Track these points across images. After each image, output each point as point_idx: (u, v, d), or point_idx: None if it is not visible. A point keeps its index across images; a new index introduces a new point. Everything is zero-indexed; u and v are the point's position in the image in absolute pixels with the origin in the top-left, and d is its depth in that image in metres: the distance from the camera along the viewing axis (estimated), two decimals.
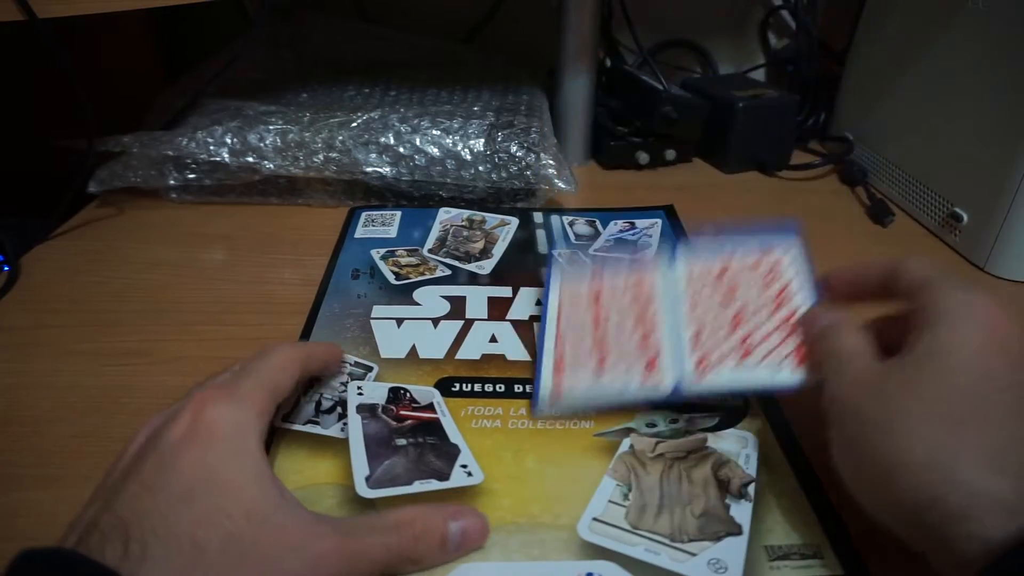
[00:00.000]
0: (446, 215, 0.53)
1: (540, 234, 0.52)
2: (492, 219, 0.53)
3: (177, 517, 0.23)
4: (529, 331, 0.41)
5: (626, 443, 0.33)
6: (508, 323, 0.41)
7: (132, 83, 0.69)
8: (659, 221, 0.53)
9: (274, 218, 0.55)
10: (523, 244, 0.50)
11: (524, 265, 0.48)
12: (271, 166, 0.53)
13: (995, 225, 0.47)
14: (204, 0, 0.47)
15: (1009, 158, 0.46)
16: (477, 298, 0.44)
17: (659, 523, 0.29)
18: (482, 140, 0.54)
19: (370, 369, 0.37)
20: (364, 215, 0.54)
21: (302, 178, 0.54)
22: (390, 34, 0.72)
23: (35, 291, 0.46)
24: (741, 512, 0.29)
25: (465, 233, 0.51)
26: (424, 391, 0.36)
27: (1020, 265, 0.47)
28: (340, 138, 0.53)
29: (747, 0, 0.77)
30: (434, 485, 0.30)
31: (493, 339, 0.40)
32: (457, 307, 0.43)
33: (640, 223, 0.53)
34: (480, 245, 0.50)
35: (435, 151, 0.53)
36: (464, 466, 0.31)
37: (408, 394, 0.36)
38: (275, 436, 0.33)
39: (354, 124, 0.53)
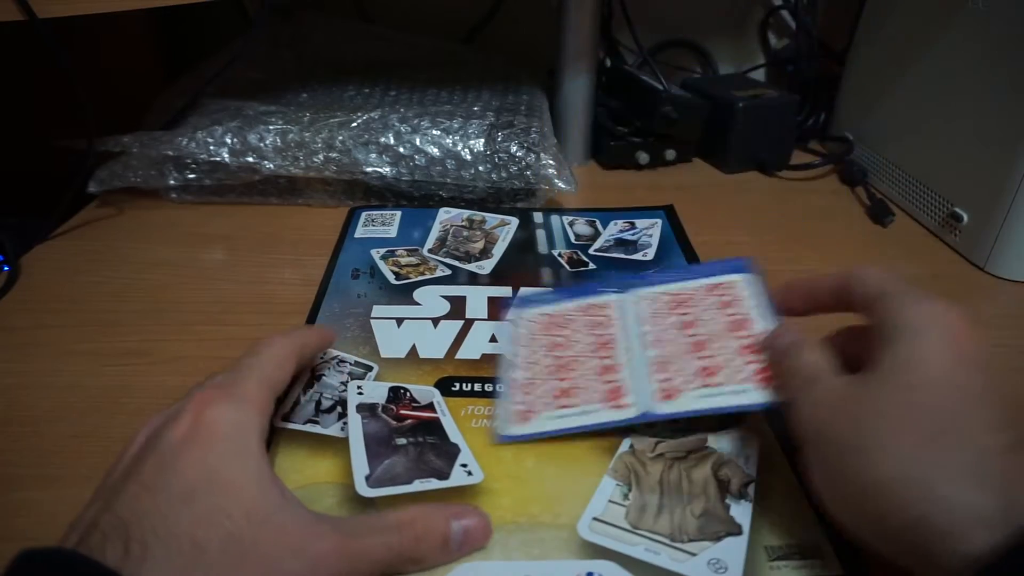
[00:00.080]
0: (446, 215, 0.54)
1: (540, 234, 0.52)
2: (492, 219, 0.53)
3: (177, 517, 0.23)
4: None
5: (626, 443, 0.33)
6: (508, 323, 0.41)
7: (132, 83, 0.69)
8: (659, 221, 0.53)
9: (274, 218, 0.55)
10: (523, 244, 0.50)
11: (524, 265, 0.48)
12: (271, 166, 0.53)
13: (995, 225, 0.47)
14: (204, 0, 0.47)
15: (1009, 158, 0.46)
16: (477, 298, 0.44)
17: (659, 523, 0.29)
18: (482, 140, 0.54)
19: (370, 369, 0.37)
20: (364, 215, 0.54)
21: (302, 178, 0.54)
22: (390, 34, 0.72)
23: (35, 291, 0.46)
24: (741, 512, 0.29)
25: (465, 233, 0.51)
26: (424, 390, 0.36)
27: (1020, 265, 0.47)
28: (340, 138, 0.53)
29: (747, 0, 0.78)
30: (434, 484, 0.30)
31: (493, 339, 0.40)
32: (457, 307, 0.43)
33: (640, 223, 0.53)
34: (480, 245, 0.50)
35: (435, 151, 0.53)
36: (464, 465, 0.31)
37: (408, 393, 0.36)
38: (275, 435, 0.33)
39: (354, 124, 0.53)
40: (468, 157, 0.53)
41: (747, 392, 0.31)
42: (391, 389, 0.36)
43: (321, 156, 0.53)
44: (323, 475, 0.31)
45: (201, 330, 0.42)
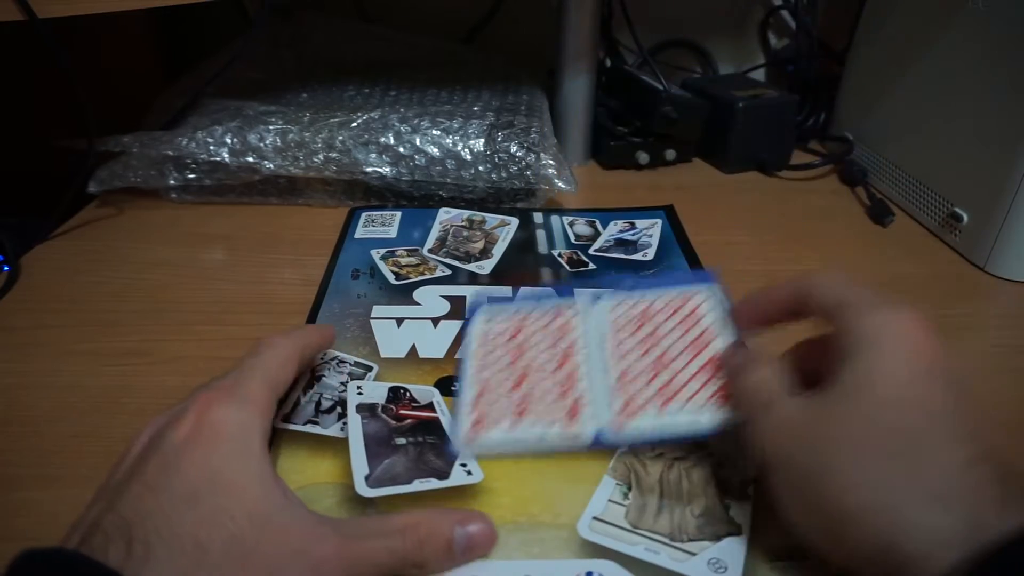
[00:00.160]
0: (446, 215, 0.54)
1: (540, 234, 0.52)
2: (492, 219, 0.53)
3: (180, 518, 0.23)
4: None
5: None
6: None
7: (132, 83, 0.69)
8: (659, 221, 0.53)
9: (274, 218, 0.55)
10: (523, 244, 0.50)
11: (524, 265, 0.48)
12: (271, 166, 0.53)
13: (995, 225, 0.47)
14: (204, 0, 0.47)
15: (1009, 158, 0.46)
16: None
17: (659, 522, 0.29)
18: (482, 140, 0.54)
19: (370, 369, 0.38)
20: (364, 215, 0.54)
21: (302, 178, 0.54)
22: (390, 34, 0.72)
23: (35, 291, 0.46)
24: (741, 512, 0.29)
25: (465, 233, 0.51)
26: (424, 390, 0.36)
27: (1020, 265, 0.47)
28: (340, 138, 0.53)
29: (747, 0, 0.78)
30: (434, 484, 0.30)
31: None
32: (457, 307, 0.43)
33: (640, 223, 0.53)
34: (480, 245, 0.50)
35: (435, 151, 0.53)
36: (464, 465, 0.31)
37: (408, 393, 0.36)
38: (276, 436, 0.33)
39: (354, 124, 0.53)
40: (468, 157, 0.53)
41: (704, 415, 0.31)
42: (391, 389, 0.36)
43: (321, 156, 0.53)
44: (323, 475, 0.31)
45: (201, 330, 0.42)
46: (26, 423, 0.35)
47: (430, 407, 0.35)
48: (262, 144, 0.52)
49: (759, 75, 0.79)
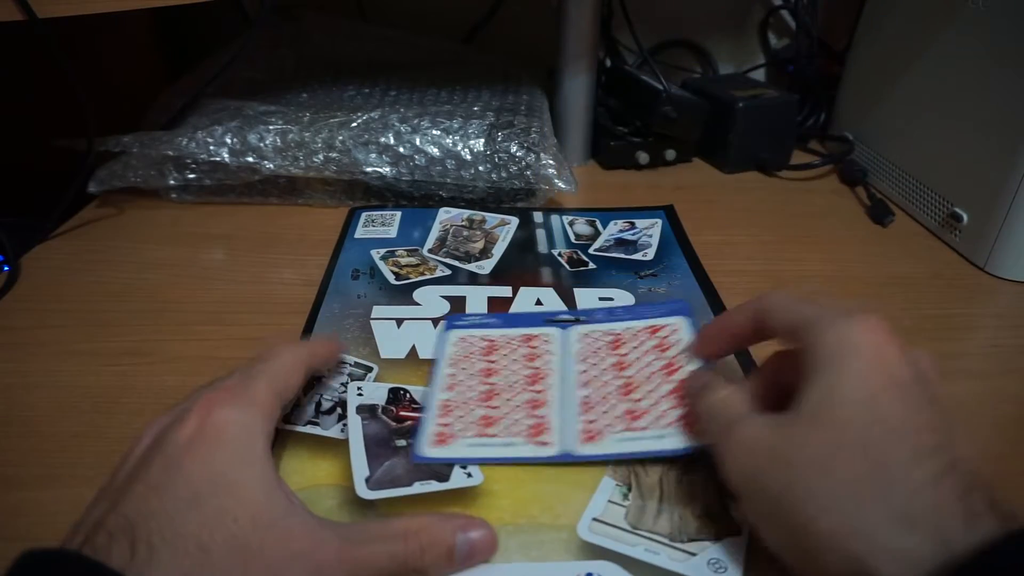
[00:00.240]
0: (446, 215, 0.54)
1: (540, 234, 0.52)
2: (492, 219, 0.53)
3: (183, 519, 0.23)
4: None
5: None
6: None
7: (132, 83, 0.69)
8: (659, 221, 0.53)
9: (274, 218, 0.55)
10: (523, 244, 0.50)
11: (524, 265, 0.48)
12: (271, 166, 0.53)
13: (995, 225, 0.47)
14: (204, 0, 0.47)
15: (1009, 158, 0.46)
16: (477, 298, 0.44)
17: (659, 523, 0.29)
18: (482, 140, 0.54)
19: (370, 369, 0.37)
20: (364, 215, 0.54)
21: (302, 178, 0.54)
22: (390, 34, 0.71)
23: (35, 291, 0.46)
24: None
25: (465, 233, 0.51)
26: (424, 392, 0.36)
27: (1020, 265, 0.47)
28: (340, 138, 0.53)
29: (747, 0, 0.77)
30: (434, 486, 0.30)
31: None
32: (457, 307, 0.43)
33: (640, 223, 0.53)
34: (480, 245, 0.50)
35: (435, 151, 0.53)
36: (464, 467, 0.31)
37: (408, 395, 0.36)
38: (276, 437, 0.32)
39: (354, 124, 0.53)
40: (468, 157, 0.53)
41: (668, 438, 0.31)
42: (391, 390, 0.36)
43: (321, 156, 0.53)
44: (323, 477, 0.31)
45: (201, 330, 0.42)
46: (26, 423, 0.35)
47: None
48: (262, 144, 0.52)
49: (759, 75, 0.79)
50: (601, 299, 0.44)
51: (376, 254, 0.49)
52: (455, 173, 0.53)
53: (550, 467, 0.31)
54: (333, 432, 0.33)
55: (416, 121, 0.54)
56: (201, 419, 0.25)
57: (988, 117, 0.48)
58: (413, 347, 0.39)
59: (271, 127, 0.53)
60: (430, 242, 0.50)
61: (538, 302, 0.43)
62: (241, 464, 0.25)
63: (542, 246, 0.50)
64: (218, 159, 0.52)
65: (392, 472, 0.31)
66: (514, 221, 0.53)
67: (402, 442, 0.32)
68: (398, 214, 0.54)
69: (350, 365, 0.38)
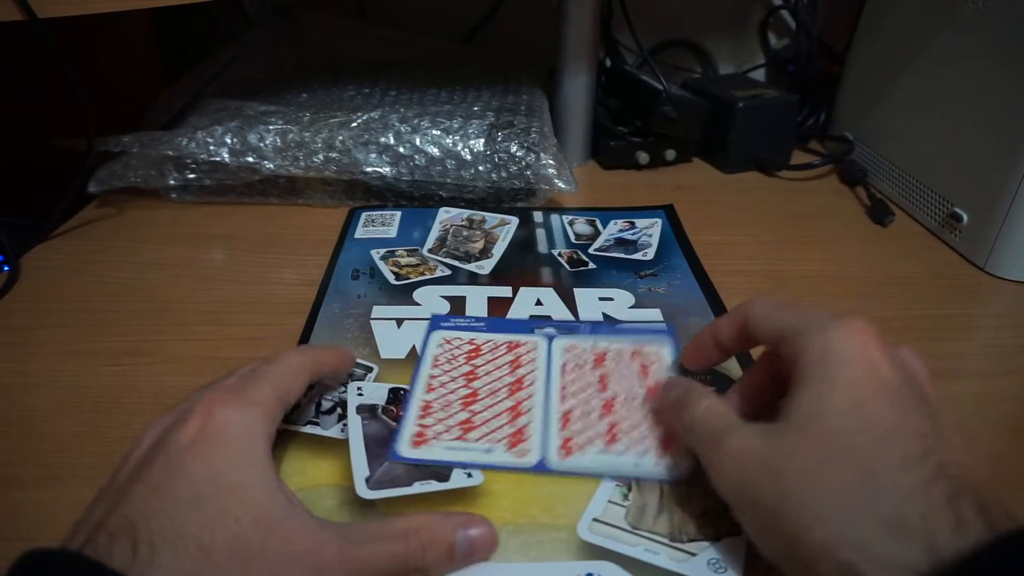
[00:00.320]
0: (446, 215, 0.54)
1: (540, 234, 0.52)
2: (492, 219, 0.53)
3: (184, 520, 0.23)
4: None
5: None
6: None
7: (132, 83, 0.69)
8: (659, 221, 0.54)
9: (274, 218, 0.55)
10: (523, 244, 0.50)
11: (524, 265, 0.48)
12: (271, 166, 0.53)
13: (995, 225, 0.47)
14: (204, 0, 0.47)
15: (1009, 158, 0.46)
16: (477, 298, 0.44)
17: (659, 523, 0.29)
18: (482, 140, 0.54)
19: (370, 370, 0.37)
20: (364, 215, 0.54)
21: (302, 178, 0.54)
22: (390, 34, 0.71)
23: (35, 291, 0.46)
24: None
25: (465, 233, 0.51)
26: None
27: (1020, 265, 0.47)
28: (340, 138, 0.53)
29: (747, 0, 0.77)
30: (434, 486, 0.30)
31: None
32: (457, 307, 0.43)
33: (640, 223, 0.53)
34: (480, 245, 0.50)
35: (435, 151, 0.53)
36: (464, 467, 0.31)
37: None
38: (277, 437, 0.32)
39: (354, 124, 0.53)
40: (468, 157, 0.53)
41: (645, 461, 0.31)
42: (391, 390, 0.36)
43: (321, 156, 0.53)
44: (323, 477, 0.31)
45: (201, 330, 0.42)
46: (26, 423, 0.35)
47: None
48: (262, 144, 0.52)
49: (759, 75, 0.79)
50: (601, 299, 0.44)
51: (376, 254, 0.49)
52: (455, 173, 0.53)
53: None
54: (333, 432, 0.33)
55: (416, 121, 0.54)
56: (203, 420, 0.25)
57: (988, 117, 0.48)
58: (413, 347, 0.39)
59: (271, 127, 0.53)
60: (430, 242, 0.50)
61: (538, 302, 0.43)
62: (242, 465, 0.25)
63: (542, 246, 0.50)
64: (218, 159, 0.52)
65: (392, 472, 0.31)
66: (514, 221, 0.53)
67: None
68: (398, 214, 0.54)
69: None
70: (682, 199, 0.57)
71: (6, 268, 0.47)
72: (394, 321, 0.41)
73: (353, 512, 0.29)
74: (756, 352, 0.38)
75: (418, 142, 0.53)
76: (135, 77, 0.72)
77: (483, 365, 0.37)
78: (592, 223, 0.53)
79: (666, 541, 0.28)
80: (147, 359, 0.39)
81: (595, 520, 0.29)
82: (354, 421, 0.34)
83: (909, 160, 0.57)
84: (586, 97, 0.63)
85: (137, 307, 0.44)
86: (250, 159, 0.52)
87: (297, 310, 0.43)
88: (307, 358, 0.32)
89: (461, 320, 0.41)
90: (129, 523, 0.22)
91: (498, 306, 0.43)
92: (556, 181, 0.53)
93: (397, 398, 0.35)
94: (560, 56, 0.61)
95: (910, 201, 0.56)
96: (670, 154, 0.64)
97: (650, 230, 0.52)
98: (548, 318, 0.42)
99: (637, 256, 0.49)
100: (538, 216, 0.54)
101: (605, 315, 0.42)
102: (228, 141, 0.52)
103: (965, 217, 0.50)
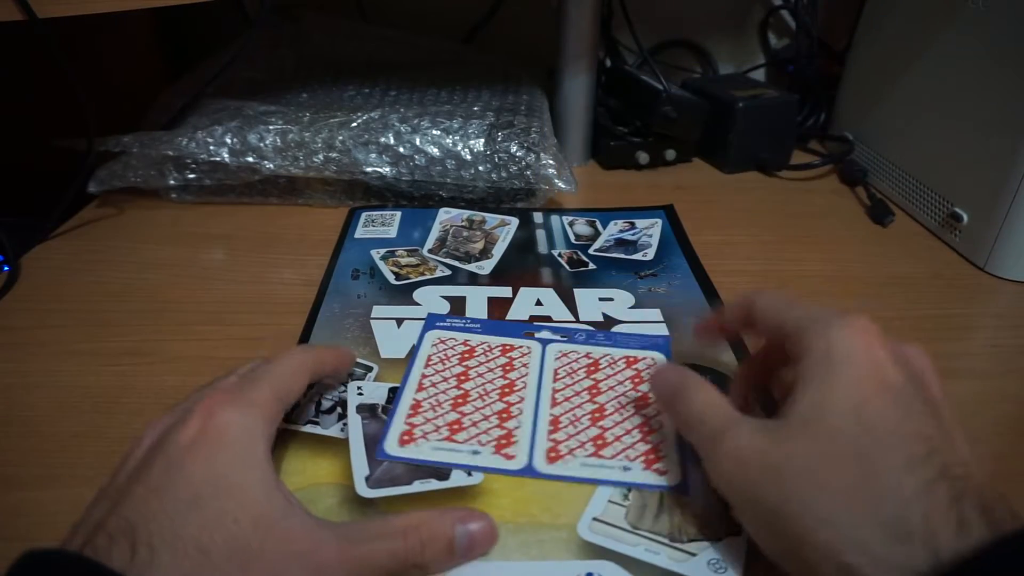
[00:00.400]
0: (446, 215, 0.54)
1: (540, 234, 0.52)
2: (492, 219, 0.53)
3: (184, 521, 0.23)
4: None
5: None
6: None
7: (132, 83, 0.69)
8: (659, 221, 0.54)
9: (274, 218, 0.55)
10: (523, 244, 0.50)
11: (524, 265, 0.48)
12: (271, 166, 0.53)
13: (995, 225, 0.47)
14: (204, 0, 0.47)
15: (1009, 158, 0.46)
16: (477, 298, 0.44)
17: (659, 523, 0.29)
18: (482, 140, 0.54)
19: (370, 369, 0.38)
20: (364, 215, 0.54)
21: (302, 178, 0.54)
22: (390, 34, 0.71)
23: (35, 291, 0.46)
24: None
25: (465, 233, 0.51)
26: None
27: (1020, 265, 0.47)
28: (340, 138, 0.53)
29: (747, 0, 0.77)
30: (434, 485, 0.30)
31: None
32: (457, 307, 0.43)
33: (640, 223, 0.53)
34: (480, 245, 0.50)
35: (435, 151, 0.53)
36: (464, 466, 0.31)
37: None
38: (278, 437, 0.32)
39: (354, 124, 0.53)
40: (468, 157, 0.53)
41: (632, 471, 0.31)
42: (391, 390, 0.36)
43: (321, 156, 0.53)
44: (323, 476, 0.31)
45: (201, 330, 0.42)
46: (26, 423, 0.35)
47: None
48: (262, 144, 0.52)
49: (759, 75, 0.79)
50: (601, 299, 0.44)
51: (376, 254, 0.49)
52: (455, 173, 0.53)
53: None
54: (333, 431, 0.33)
55: (416, 121, 0.54)
56: (203, 421, 0.26)
57: (988, 117, 0.48)
58: (413, 347, 0.39)
59: (271, 127, 0.53)
60: (430, 242, 0.50)
61: (538, 302, 0.43)
62: (242, 466, 0.25)
63: (542, 246, 0.50)
64: (218, 159, 0.52)
65: (392, 471, 0.31)
66: (514, 221, 0.53)
67: None
68: (398, 214, 0.54)
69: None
70: (682, 199, 0.57)
71: (6, 268, 0.47)
72: (394, 321, 0.41)
73: (353, 511, 0.29)
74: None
75: (418, 142, 0.53)
76: (135, 77, 0.72)
77: (476, 367, 0.37)
78: (592, 224, 0.53)
79: (666, 541, 0.28)
80: (147, 359, 0.39)
81: (595, 519, 0.29)
82: (354, 420, 0.34)
83: (909, 160, 0.57)
84: (586, 97, 0.63)
85: (137, 307, 0.44)
86: (250, 159, 0.52)
87: (297, 310, 0.43)
88: (307, 358, 0.32)
89: (457, 320, 0.41)
90: (128, 524, 0.22)
91: (498, 306, 0.43)
92: (556, 181, 0.53)
93: None
94: (560, 56, 0.61)
95: (910, 201, 0.56)
96: (670, 154, 0.64)
97: (650, 230, 0.52)
98: (548, 318, 0.42)
99: (637, 256, 0.49)
100: (538, 217, 0.54)
101: (605, 315, 0.42)
102: (228, 141, 0.52)
103: (965, 217, 0.50)
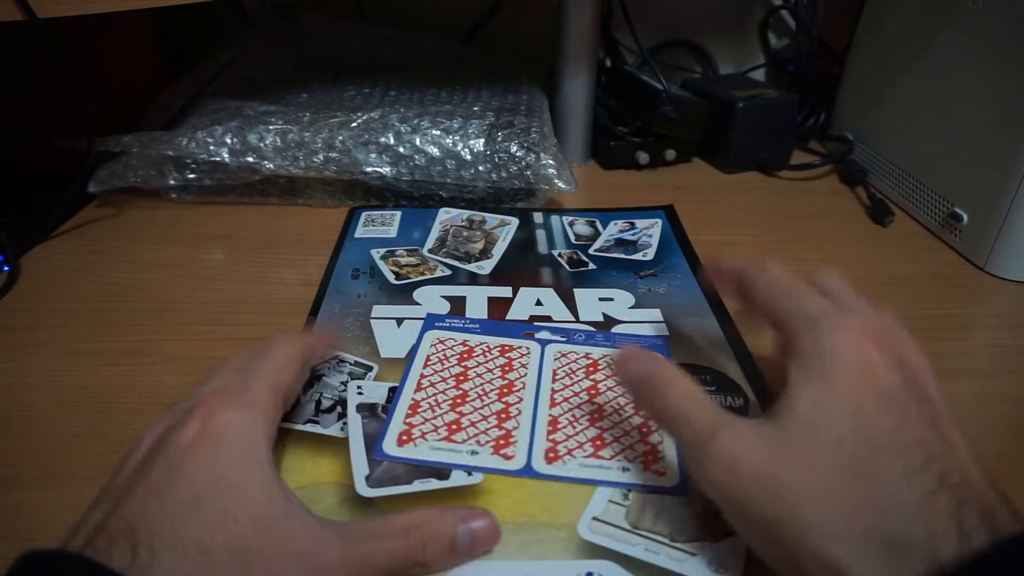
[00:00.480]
0: (446, 215, 0.54)
1: (540, 234, 0.52)
2: (492, 219, 0.53)
3: (184, 522, 0.23)
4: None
5: None
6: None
7: (132, 83, 0.69)
8: (659, 221, 0.53)
9: (274, 218, 0.55)
10: (523, 244, 0.50)
11: (524, 265, 0.48)
12: (271, 166, 0.53)
13: (995, 225, 0.47)
14: (204, 0, 0.47)
15: (1009, 158, 0.46)
16: (477, 298, 0.44)
17: (659, 523, 0.29)
18: (482, 140, 0.54)
19: (370, 368, 0.37)
20: (364, 215, 0.54)
21: (302, 178, 0.54)
22: (390, 34, 0.71)
23: (35, 291, 0.46)
24: None
25: (465, 233, 0.51)
26: None
27: (1020, 265, 0.47)
28: (340, 138, 0.53)
29: (747, 0, 0.77)
30: (434, 484, 0.30)
31: None
32: (457, 307, 0.43)
33: (640, 223, 0.53)
34: (480, 245, 0.50)
35: (435, 151, 0.53)
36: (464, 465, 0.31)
37: None
38: (278, 436, 0.32)
39: (354, 124, 0.53)
40: (468, 157, 0.53)
41: (631, 471, 0.31)
42: (391, 389, 0.36)
43: (321, 156, 0.53)
44: (323, 475, 0.31)
45: (201, 330, 0.42)
46: (26, 423, 0.35)
47: None
48: (262, 144, 0.52)
49: (759, 75, 0.79)
50: (601, 299, 0.44)
51: (376, 254, 0.49)
52: (455, 173, 0.53)
53: None
54: (333, 430, 0.33)
55: (416, 121, 0.54)
56: (203, 422, 0.26)
57: (988, 117, 0.48)
58: (412, 347, 0.39)
59: (271, 127, 0.53)
60: (430, 242, 0.50)
61: (538, 302, 0.43)
62: (242, 466, 0.25)
63: (542, 246, 0.50)
64: (218, 159, 0.52)
65: (392, 470, 0.31)
66: (514, 221, 0.53)
67: None
68: (398, 214, 0.54)
69: (350, 364, 0.38)
70: (682, 199, 0.57)
71: (6, 268, 0.47)
72: (394, 320, 0.41)
73: (353, 510, 0.29)
74: (757, 352, 0.38)
75: (418, 142, 0.53)
76: (135, 77, 0.72)
77: (475, 367, 0.37)
78: (592, 224, 0.53)
79: (666, 541, 0.28)
80: (147, 359, 0.39)
81: (595, 519, 0.29)
82: (354, 419, 0.34)
83: (909, 160, 0.57)
84: (586, 97, 0.63)
85: (137, 307, 0.44)
86: (250, 159, 0.52)
87: (297, 310, 0.43)
88: (299, 347, 0.32)
89: (456, 321, 0.41)
90: (128, 526, 0.22)
91: (498, 306, 0.43)
92: (556, 181, 0.53)
93: None
94: (560, 56, 0.61)
95: (910, 201, 0.56)
96: (670, 154, 0.64)
97: (650, 230, 0.52)
98: (548, 318, 0.42)
99: (637, 256, 0.49)
100: (538, 217, 0.54)
101: (605, 315, 0.42)
102: (228, 141, 0.52)
103: (965, 217, 0.50)
